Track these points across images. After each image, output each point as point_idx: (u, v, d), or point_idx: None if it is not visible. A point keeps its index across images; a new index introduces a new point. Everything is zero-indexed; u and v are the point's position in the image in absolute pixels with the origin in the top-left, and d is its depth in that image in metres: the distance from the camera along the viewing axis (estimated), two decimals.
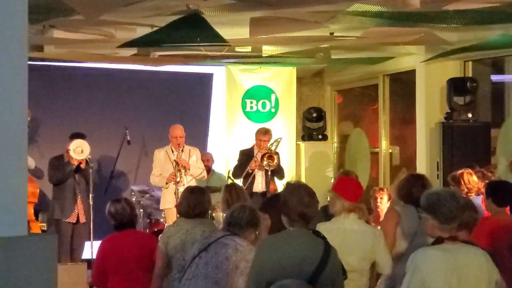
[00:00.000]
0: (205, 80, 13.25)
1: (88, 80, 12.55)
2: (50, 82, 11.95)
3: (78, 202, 10.30)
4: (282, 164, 11.10)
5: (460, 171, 7.83)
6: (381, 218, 8.43)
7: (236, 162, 11.25)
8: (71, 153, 10.04)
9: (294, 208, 4.86)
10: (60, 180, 10.31)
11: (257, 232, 5.61)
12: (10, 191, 5.33)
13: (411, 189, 6.57)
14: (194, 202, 6.31)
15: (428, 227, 5.01)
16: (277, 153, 10.93)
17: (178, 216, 6.62)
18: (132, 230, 6.88)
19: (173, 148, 10.55)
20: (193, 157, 10.62)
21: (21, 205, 5.49)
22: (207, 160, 11.93)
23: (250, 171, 10.71)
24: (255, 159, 10.73)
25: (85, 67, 12.53)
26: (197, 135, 12.42)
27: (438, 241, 4.96)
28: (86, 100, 12.45)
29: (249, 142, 11.87)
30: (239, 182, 10.56)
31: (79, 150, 10.04)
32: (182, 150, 10.53)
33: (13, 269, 5.13)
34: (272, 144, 10.89)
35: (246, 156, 10.97)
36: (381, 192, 9.33)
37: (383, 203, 9.10)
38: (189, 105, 12.79)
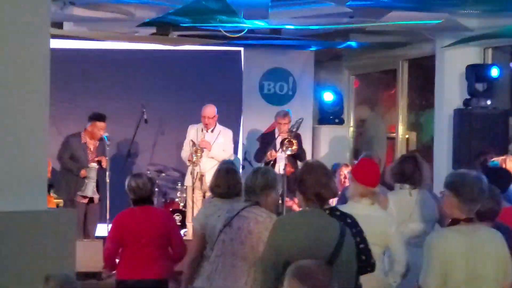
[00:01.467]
0: (234, 57, 13.15)
1: (106, 59, 12.57)
2: (68, 60, 11.96)
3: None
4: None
5: (502, 157, 7.78)
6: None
7: (253, 145, 11.24)
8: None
9: (311, 187, 4.85)
10: (63, 168, 10.42)
11: (275, 193, 5.61)
12: (30, 167, 5.38)
13: (403, 168, 6.57)
14: (233, 182, 6.21)
15: (447, 205, 4.98)
16: (298, 135, 10.90)
17: (213, 196, 6.49)
18: (150, 207, 6.90)
19: (203, 127, 10.54)
20: (220, 139, 10.55)
21: (41, 180, 5.53)
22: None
23: (267, 160, 10.65)
24: (274, 143, 10.67)
25: (102, 48, 12.58)
26: (227, 114, 12.32)
27: (454, 222, 4.96)
28: (104, 79, 12.47)
29: (266, 124, 11.85)
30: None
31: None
32: (212, 131, 10.50)
33: (33, 243, 5.18)
34: (294, 126, 10.84)
35: (267, 139, 10.94)
36: (346, 167, 9.25)
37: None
38: (212, 84, 12.70)
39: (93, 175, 10.24)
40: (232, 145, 10.85)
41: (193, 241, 6.42)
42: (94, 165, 10.25)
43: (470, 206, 4.89)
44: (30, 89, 5.41)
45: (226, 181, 6.27)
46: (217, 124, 10.59)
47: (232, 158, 10.60)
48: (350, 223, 5.32)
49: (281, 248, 4.78)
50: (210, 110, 10.48)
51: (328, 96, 13.11)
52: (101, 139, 10.50)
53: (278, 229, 4.91)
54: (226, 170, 6.39)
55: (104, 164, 10.31)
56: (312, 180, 4.86)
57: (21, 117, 5.33)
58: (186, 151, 10.59)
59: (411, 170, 6.74)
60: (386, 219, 6.05)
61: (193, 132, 10.57)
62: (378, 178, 6.16)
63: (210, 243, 5.86)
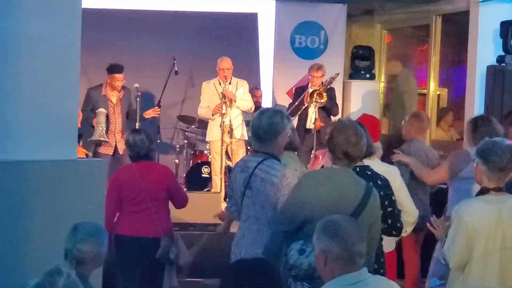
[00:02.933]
0: (250, 20, 13.13)
1: (138, 17, 12.72)
2: (102, 19, 12.02)
3: (116, 133, 10.38)
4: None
5: None
6: None
7: (283, 98, 11.22)
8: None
9: (340, 146, 4.82)
10: (86, 122, 10.46)
11: (282, 138, 5.33)
12: (61, 116, 5.41)
13: (485, 131, 6.45)
14: None
15: (476, 173, 4.98)
16: (331, 89, 10.87)
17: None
18: (147, 162, 6.91)
19: (220, 81, 10.53)
20: (240, 89, 10.57)
21: (71, 130, 5.57)
22: (257, 96, 11.90)
23: (303, 107, 10.65)
24: (305, 94, 10.67)
25: (135, 9, 12.69)
26: (248, 69, 12.35)
27: (483, 191, 4.93)
28: (135, 34, 12.58)
29: (296, 78, 11.81)
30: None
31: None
32: (230, 83, 10.51)
33: (63, 192, 5.23)
34: (328, 80, 10.81)
35: (300, 93, 10.90)
36: None
37: None
38: (236, 42, 12.71)
39: (101, 119, 10.18)
40: (250, 95, 10.85)
41: None
42: (102, 110, 10.22)
43: (499, 175, 4.85)
44: (62, 42, 5.42)
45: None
46: (232, 77, 10.59)
47: (253, 108, 10.62)
48: (380, 185, 5.30)
49: (302, 204, 4.75)
50: (227, 62, 10.49)
51: (360, 51, 13.00)
52: (125, 90, 10.51)
53: (302, 185, 4.88)
54: None
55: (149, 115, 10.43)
56: (341, 139, 4.82)
57: (53, 68, 5.35)
58: (204, 108, 10.62)
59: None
60: (390, 172, 6.03)
61: (210, 87, 10.57)
62: (378, 133, 6.18)
63: (230, 200, 5.75)
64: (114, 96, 10.45)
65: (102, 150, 10.35)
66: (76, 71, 5.53)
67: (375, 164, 5.90)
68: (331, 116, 10.81)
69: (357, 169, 5.29)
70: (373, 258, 4.94)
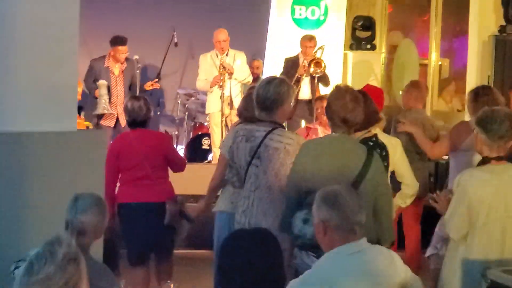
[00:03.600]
0: None
1: None
2: None
3: (117, 105, 10.35)
4: (328, 72, 10.98)
5: None
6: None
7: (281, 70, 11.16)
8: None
9: (337, 112, 4.82)
10: (89, 93, 10.41)
11: (287, 106, 5.40)
12: (60, 88, 5.39)
13: (486, 101, 6.41)
14: None
15: (476, 143, 4.96)
16: (322, 61, 10.85)
17: (240, 121, 6.43)
18: (144, 129, 6.92)
19: (217, 53, 10.51)
20: (237, 61, 10.57)
21: (70, 101, 5.55)
22: (256, 67, 11.86)
23: (299, 77, 10.61)
24: (303, 65, 10.63)
25: None
26: (253, 38, 12.25)
27: (485, 161, 4.91)
28: (134, 5, 12.44)
29: (296, 49, 11.76)
30: None
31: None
32: (227, 54, 10.49)
33: (63, 163, 5.22)
34: (315, 51, 10.76)
35: (291, 63, 10.86)
36: (320, 101, 9.03)
37: None
38: (242, 7, 12.61)
39: (103, 91, 10.16)
40: (247, 67, 10.83)
41: (218, 167, 6.38)
42: (102, 81, 10.19)
43: (498, 143, 4.83)
44: (60, 12, 5.39)
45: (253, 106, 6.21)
46: (229, 48, 10.54)
47: (251, 79, 10.60)
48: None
49: (305, 174, 4.77)
50: (224, 34, 10.49)
51: (359, 21, 12.92)
52: (129, 62, 10.48)
53: (303, 155, 4.89)
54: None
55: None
56: (339, 105, 4.82)
57: (51, 38, 5.32)
58: (202, 80, 10.62)
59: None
60: (391, 143, 6.02)
61: (207, 60, 10.56)
62: (382, 103, 6.18)
63: (230, 170, 5.71)
64: (116, 68, 10.42)
65: (104, 122, 10.34)
66: (75, 42, 5.50)
67: (379, 134, 5.89)
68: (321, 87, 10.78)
69: (360, 138, 5.31)
70: (390, 227, 4.93)
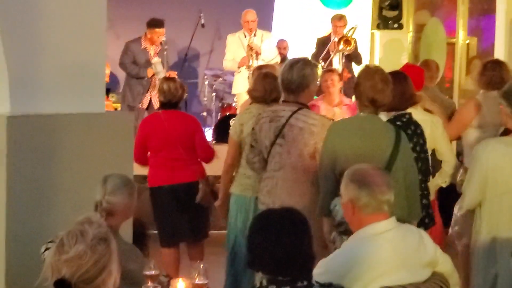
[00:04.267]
0: None
1: None
2: None
3: (151, 86, 10.36)
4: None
5: None
6: (334, 99, 8.44)
7: (312, 49, 11.15)
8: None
9: (366, 92, 4.82)
10: (127, 74, 10.41)
11: (313, 87, 5.44)
12: (88, 69, 5.41)
13: (491, 76, 6.39)
14: (271, 87, 6.11)
15: (503, 115, 4.93)
16: (354, 39, 10.82)
17: (251, 101, 6.51)
18: (174, 111, 6.92)
19: (245, 33, 10.50)
20: (265, 41, 10.56)
21: (99, 83, 5.57)
22: (283, 48, 11.83)
23: (330, 54, 10.61)
24: (333, 42, 10.62)
25: None
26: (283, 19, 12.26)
27: (506, 132, 4.89)
28: None
29: (324, 29, 11.71)
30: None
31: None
32: (255, 35, 10.48)
33: (91, 145, 5.25)
34: (348, 31, 10.76)
35: (323, 43, 10.86)
36: (331, 73, 8.97)
37: (336, 84, 8.72)
38: None
39: (159, 68, 10.18)
40: (275, 47, 10.85)
41: (229, 149, 6.43)
42: (156, 59, 10.21)
43: None
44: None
45: (263, 86, 6.22)
46: (257, 29, 10.53)
47: (278, 59, 10.58)
48: (409, 134, 5.27)
49: (336, 155, 4.78)
50: (252, 15, 10.48)
51: (387, 0, 12.84)
52: (164, 45, 10.49)
53: (332, 135, 4.89)
54: (265, 74, 6.34)
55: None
56: (368, 85, 4.81)
57: (79, 20, 5.34)
58: (229, 61, 10.62)
59: (498, 78, 6.46)
60: (432, 121, 6.00)
61: (235, 40, 10.55)
62: (422, 81, 6.14)
63: (251, 151, 5.73)
64: (152, 50, 10.43)
65: (141, 104, 10.35)
66: (103, 23, 5.52)
67: (418, 113, 5.87)
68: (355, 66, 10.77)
69: (391, 117, 5.31)
70: (417, 204, 4.92)
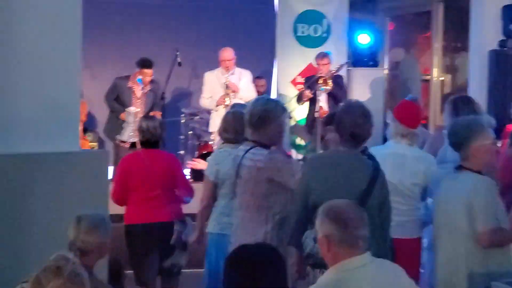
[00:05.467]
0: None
1: (137, 12, 12.60)
2: (102, 7, 11.96)
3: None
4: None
5: None
6: None
7: (288, 87, 11.23)
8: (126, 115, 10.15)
9: (347, 127, 4.83)
10: (110, 110, 10.44)
11: (275, 125, 5.28)
12: (63, 109, 5.41)
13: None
14: (240, 128, 5.87)
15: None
16: (339, 76, 10.93)
17: (222, 142, 6.50)
18: (156, 150, 6.92)
19: (223, 71, 10.52)
20: (243, 79, 10.57)
21: (73, 122, 5.58)
22: (260, 86, 11.87)
23: (311, 95, 10.68)
24: (312, 81, 10.69)
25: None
26: (261, 57, 12.32)
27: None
28: (135, 21, 12.49)
29: (300, 67, 11.79)
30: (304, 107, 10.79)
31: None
32: (233, 73, 10.50)
33: (66, 183, 5.24)
34: (337, 68, 10.87)
35: (308, 81, 10.92)
36: None
37: None
38: (247, 26, 12.66)
39: (131, 119, 10.22)
40: (253, 85, 10.86)
41: (204, 190, 6.42)
42: (132, 109, 10.24)
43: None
44: (62, 33, 5.42)
45: (234, 126, 6.23)
46: (235, 66, 10.58)
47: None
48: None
49: (311, 188, 4.78)
50: (229, 53, 10.46)
51: (363, 39, 12.98)
52: (153, 84, 10.50)
53: (309, 169, 4.90)
54: (233, 114, 6.34)
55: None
56: (348, 120, 4.83)
57: (53, 60, 5.35)
58: (206, 98, 10.61)
59: None
60: (427, 159, 6.04)
61: (212, 78, 10.55)
62: (419, 119, 6.19)
63: (224, 190, 5.82)
64: (139, 90, 10.43)
65: (120, 141, 10.34)
66: (77, 63, 5.54)
67: (415, 150, 5.96)
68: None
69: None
70: (388, 241, 4.93)
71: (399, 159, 5.82)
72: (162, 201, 6.73)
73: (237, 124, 6.13)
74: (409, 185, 5.85)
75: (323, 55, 10.95)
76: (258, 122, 5.25)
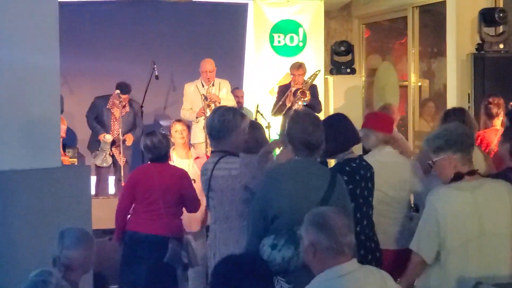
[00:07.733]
0: (240, 10, 13.06)
1: (112, 12, 12.48)
2: (74, 16, 11.89)
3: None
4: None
5: None
6: None
7: (265, 97, 11.21)
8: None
9: (298, 136, 4.81)
10: (89, 127, 10.51)
11: (236, 135, 5.31)
12: (43, 125, 5.38)
13: None
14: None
15: (446, 167, 4.81)
16: (314, 86, 10.90)
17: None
18: (165, 164, 6.95)
19: (203, 82, 10.50)
20: (223, 90, 10.57)
21: (54, 138, 5.54)
22: (240, 97, 11.87)
23: (287, 107, 10.66)
24: (288, 94, 10.68)
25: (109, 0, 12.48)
26: (232, 68, 12.35)
27: (457, 178, 4.78)
28: (112, 33, 12.42)
29: (277, 77, 11.79)
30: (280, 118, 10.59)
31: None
32: (213, 84, 10.49)
33: (48, 199, 5.20)
34: (310, 77, 10.85)
35: (284, 92, 10.90)
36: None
37: None
38: (221, 37, 12.68)
39: (106, 147, 10.35)
40: (232, 96, 10.90)
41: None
42: (108, 137, 10.32)
43: (469, 154, 4.78)
44: (41, 48, 5.40)
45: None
46: (215, 77, 10.59)
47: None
48: (357, 180, 5.33)
49: (270, 200, 4.71)
50: (211, 65, 10.48)
51: (338, 46, 13.00)
52: (132, 107, 10.56)
53: (267, 181, 4.83)
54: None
55: (128, 143, 10.47)
56: (298, 129, 4.81)
57: (32, 76, 5.32)
58: (186, 110, 10.59)
59: None
60: (413, 165, 6.06)
61: (193, 89, 10.54)
62: (393, 123, 6.22)
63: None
64: (117, 111, 10.45)
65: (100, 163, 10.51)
66: (57, 79, 5.51)
67: (399, 156, 6.04)
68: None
69: (342, 161, 5.35)
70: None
71: (383, 166, 5.81)
72: (160, 215, 6.76)
73: None
74: (396, 191, 5.87)
75: (298, 66, 10.93)
76: (219, 135, 5.29)
